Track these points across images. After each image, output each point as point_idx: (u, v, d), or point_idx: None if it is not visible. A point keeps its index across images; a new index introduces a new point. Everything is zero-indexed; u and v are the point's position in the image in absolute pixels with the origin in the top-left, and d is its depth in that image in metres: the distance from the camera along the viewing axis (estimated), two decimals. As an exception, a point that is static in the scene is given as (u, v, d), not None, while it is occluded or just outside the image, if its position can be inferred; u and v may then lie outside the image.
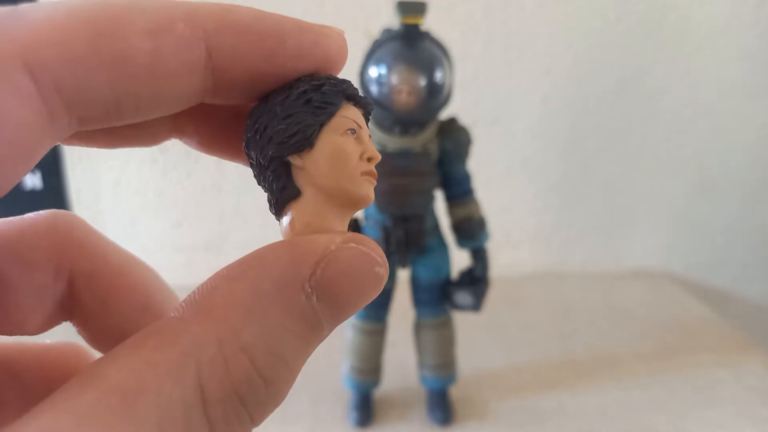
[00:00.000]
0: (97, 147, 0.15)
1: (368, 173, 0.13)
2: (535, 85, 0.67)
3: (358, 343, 0.46)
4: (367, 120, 0.15)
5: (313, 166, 0.13)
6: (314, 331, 0.12)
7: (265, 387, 0.11)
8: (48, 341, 0.16)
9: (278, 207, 0.14)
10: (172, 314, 0.11)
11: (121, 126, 0.14)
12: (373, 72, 0.40)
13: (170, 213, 0.68)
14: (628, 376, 0.53)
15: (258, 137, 0.13)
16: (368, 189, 0.13)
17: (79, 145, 0.14)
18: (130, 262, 0.16)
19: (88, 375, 0.10)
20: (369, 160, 0.14)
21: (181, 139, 0.15)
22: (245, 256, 0.12)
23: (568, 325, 0.62)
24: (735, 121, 0.71)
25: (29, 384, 0.15)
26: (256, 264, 0.12)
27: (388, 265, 0.13)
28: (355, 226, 0.45)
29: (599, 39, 0.67)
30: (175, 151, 0.66)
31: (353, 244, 0.12)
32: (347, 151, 0.13)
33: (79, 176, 0.66)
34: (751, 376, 0.53)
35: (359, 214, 0.46)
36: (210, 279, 0.12)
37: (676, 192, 0.74)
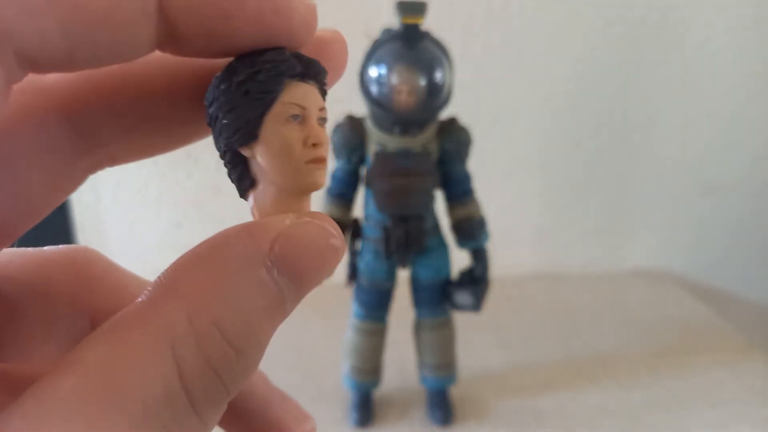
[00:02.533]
0: (155, 154, 0.15)
1: (314, 160, 0.13)
2: (535, 85, 0.67)
3: (358, 343, 0.46)
4: (323, 90, 0.14)
5: (261, 158, 0.13)
6: (279, 303, 0.12)
7: (236, 358, 0.12)
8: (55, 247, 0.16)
9: (241, 194, 0.14)
10: (141, 298, 0.12)
11: (175, 126, 0.14)
12: (373, 72, 0.40)
13: (170, 213, 0.68)
14: (628, 376, 0.53)
15: (212, 127, 0.13)
16: (315, 177, 0.13)
17: (137, 159, 0.15)
18: None
19: (66, 362, 0.11)
20: (314, 145, 0.13)
21: None
22: (208, 239, 0.12)
23: (568, 326, 0.62)
24: (735, 122, 0.71)
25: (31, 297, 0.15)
26: (219, 243, 0.12)
27: (343, 237, 0.13)
28: (355, 226, 0.45)
29: (600, 39, 0.67)
30: (175, 151, 0.66)
31: (308, 219, 0.13)
32: (289, 142, 0.13)
33: (79, 176, 0.66)
34: (751, 376, 0.53)
35: (359, 214, 0.46)
36: (175, 262, 0.12)
37: (676, 192, 0.74)
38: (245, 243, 0.12)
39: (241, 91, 0.13)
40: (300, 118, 0.13)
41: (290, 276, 0.12)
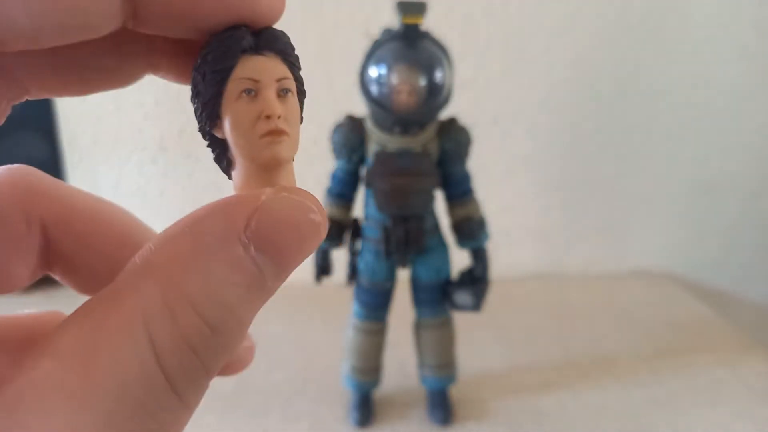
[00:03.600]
0: (71, 95, 0.14)
1: (268, 133, 0.13)
2: (535, 85, 0.67)
3: (358, 343, 0.46)
4: (289, 61, 0.13)
5: (226, 136, 0.13)
6: (257, 281, 0.12)
7: (213, 335, 0.11)
8: (32, 311, 0.16)
9: (228, 176, 0.14)
10: (116, 279, 0.12)
11: (93, 72, 0.14)
12: (373, 72, 0.40)
13: (170, 213, 0.68)
14: (628, 376, 0.53)
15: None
16: (271, 150, 0.13)
17: (54, 96, 0.14)
18: (99, 204, 0.16)
19: (41, 347, 0.11)
20: (267, 118, 0.13)
21: (156, 74, 0.15)
22: (183, 218, 0.12)
23: (568, 326, 0.62)
24: (735, 121, 0.71)
25: (18, 355, 0.15)
26: (194, 222, 0.12)
27: (324, 212, 0.13)
28: (355, 226, 0.45)
29: (599, 39, 0.67)
30: (175, 151, 0.66)
31: (285, 194, 0.12)
32: (240, 118, 0.13)
33: (79, 176, 0.66)
34: (751, 375, 0.53)
35: (359, 214, 0.46)
36: (150, 242, 0.12)
37: (676, 192, 0.74)
38: (219, 220, 0.12)
39: (200, 75, 0.13)
40: (253, 92, 0.13)
41: (268, 253, 0.12)
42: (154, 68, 0.15)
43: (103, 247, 0.15)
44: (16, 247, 0.15)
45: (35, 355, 0.10)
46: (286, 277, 0.13)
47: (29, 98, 0.14)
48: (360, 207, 0.46)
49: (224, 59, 0.13)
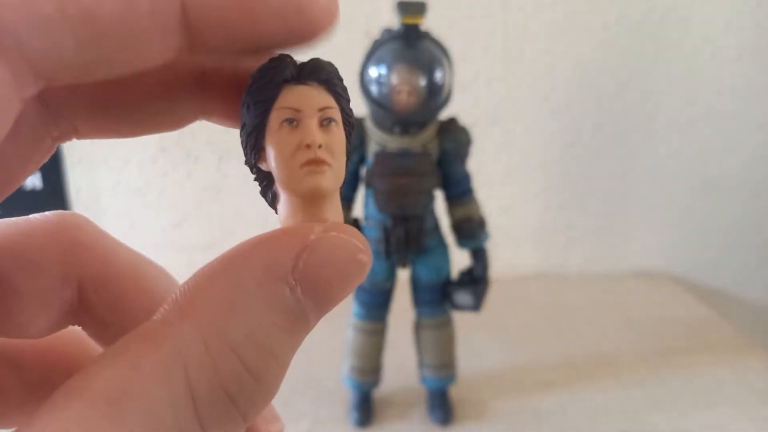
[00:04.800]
0: (120, 136, 0.14)
1: (307, 163, 0.12)
2: (535, 85, 0.67)
3: (358, 343, 0.46)
4: (334, 90, 0.13)
5: (270, 169, 0.13)
6: (300, 323, 0.12)
7: (255, 383, 0.11)
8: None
9: (272, 208, 0.14)
10: (155, 317, 0.11)
11: (144, 115, 0.14)
12: (373, 72, 0.40)
13: (170, 213, 0.68)
14: (628, 376, 0.53)
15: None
16: (310, 181, 0.12)
17: (102, 138, 0.14)
18: (142, 264, 0.15)
19: (73, 386, 0.10)
20: (308, 147, 0.12)
21: (208, 119, 0.14)
22: (225, 253, 0.12)
23: (568, 326, 0.62)
24: (735, 121, 0.71)
25: (30, 371, 0.15)
26: (237, 260, 0.11)
27: (370, 251, 0.12)
28: (355, 226, 0.45)
29: (599, 39, 0.67)
30: (175, 151, 0.66)
31: (334, 233, 0.12)
32: (281, 147, 0.12)
33: (79, 176, 0.66)
34: (751, 375, 0.53)
35: (359, 214, 0.46)
36: (191, 278, 0.11)
37: (676, 192, 0.74)
38: (263, 258, 0.11)
39: (245, 107, 0.13)
40: (295, 121, 0.13)
41: (315, 294, 0.11)
42: (206, 113, 0.14)
43: (139, 311, 0.15)
44: (44, 301, 0.14)
45: (65, 394, 0.10)
46: (324, 315, 0.12)
47: (77, 138, 0.14)
48: (360, 207, 0.46)
49: (267, 89, 0.13)
